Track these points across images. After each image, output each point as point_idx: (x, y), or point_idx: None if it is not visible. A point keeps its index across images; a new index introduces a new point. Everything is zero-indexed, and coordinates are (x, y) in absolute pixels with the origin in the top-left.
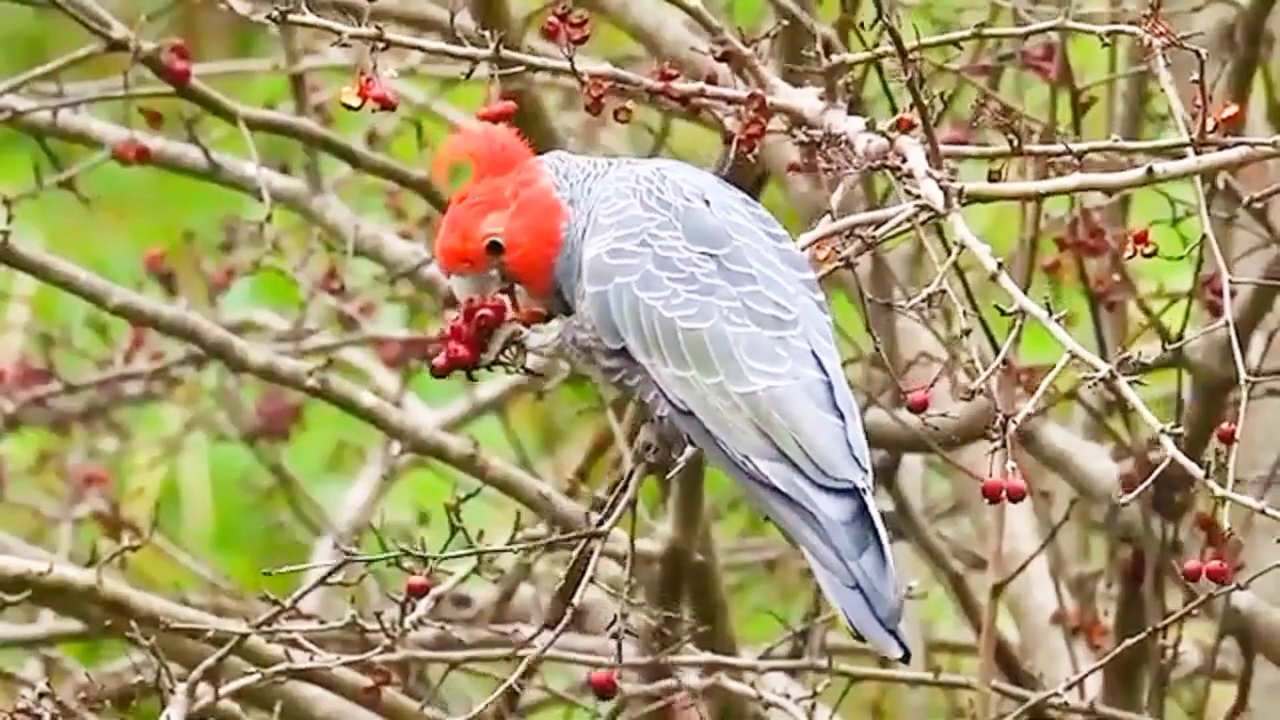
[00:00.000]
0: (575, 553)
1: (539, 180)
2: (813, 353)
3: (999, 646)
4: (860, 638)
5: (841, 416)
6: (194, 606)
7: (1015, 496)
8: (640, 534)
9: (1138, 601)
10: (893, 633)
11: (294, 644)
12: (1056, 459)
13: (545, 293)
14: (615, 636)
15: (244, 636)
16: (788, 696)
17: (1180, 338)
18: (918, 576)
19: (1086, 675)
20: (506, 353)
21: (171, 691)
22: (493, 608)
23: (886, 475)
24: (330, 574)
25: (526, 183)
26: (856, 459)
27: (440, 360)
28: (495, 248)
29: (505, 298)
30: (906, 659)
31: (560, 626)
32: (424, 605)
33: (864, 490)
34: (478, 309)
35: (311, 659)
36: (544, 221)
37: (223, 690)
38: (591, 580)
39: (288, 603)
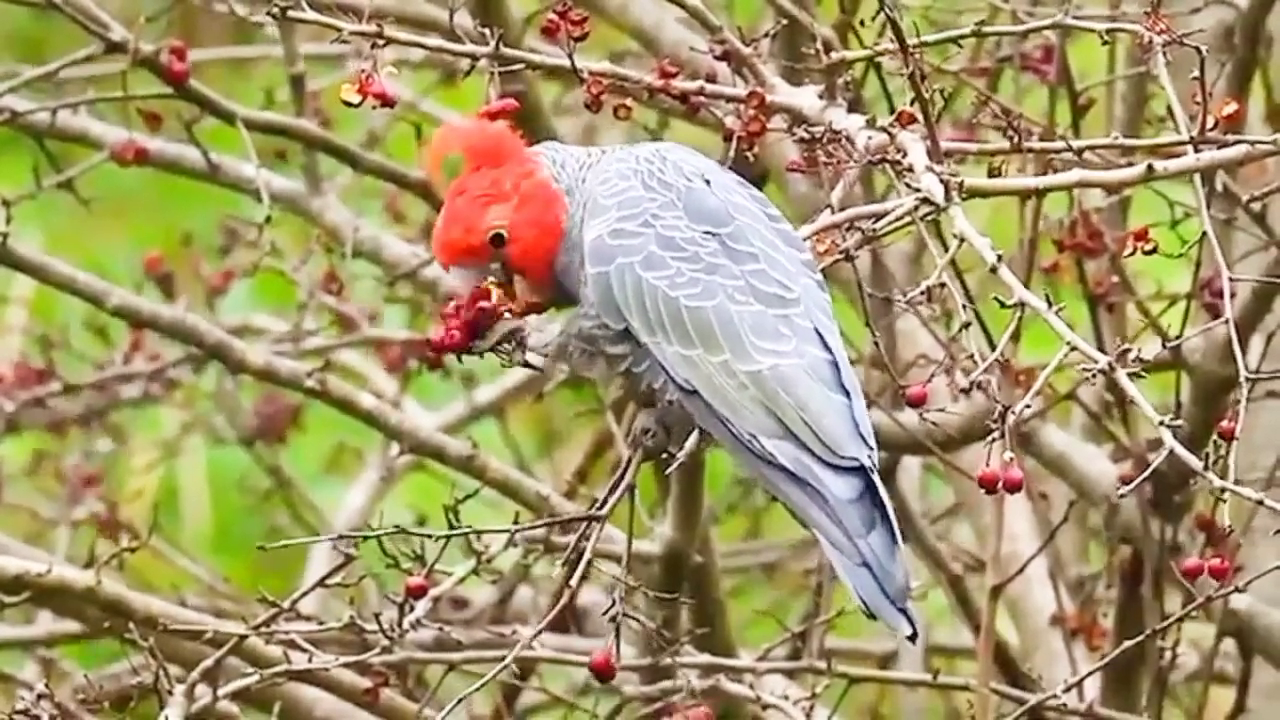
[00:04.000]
0: (574, 538)
1: (538, 172)
2: (816, 330)
3: (998, 648)
4: (872, 615)
5: (847, 394)
6: (192, 608)
7: (1012, 487)
8: (639, 535)
9: (1137, 603)
10: (902, 610)
11: (292, 645)
12: (1055, 460)
13: (545, 285)
14: (613, 620)
15: (242, 638)
16: (786, 698)
17: (1180, 336)
18: (917, 578)
19: (1085, 677)
20: (504, 346)
21: (170, 693)
22: (491, 609)
23: (885, 477)
24: (329, 574)
25: (527, 174)
26: (862, 436)
27: (436, 339)
28: (499, 240)
29: (500, 292)
30: (914, 637)
31: (557, 607)
32: (422, 606)
33: (870, 468)
34: (479, 297)
35: (310, 660)
36: (546, 213)
37: (221, 691)
38: (590, 564)
39: (286, 604)
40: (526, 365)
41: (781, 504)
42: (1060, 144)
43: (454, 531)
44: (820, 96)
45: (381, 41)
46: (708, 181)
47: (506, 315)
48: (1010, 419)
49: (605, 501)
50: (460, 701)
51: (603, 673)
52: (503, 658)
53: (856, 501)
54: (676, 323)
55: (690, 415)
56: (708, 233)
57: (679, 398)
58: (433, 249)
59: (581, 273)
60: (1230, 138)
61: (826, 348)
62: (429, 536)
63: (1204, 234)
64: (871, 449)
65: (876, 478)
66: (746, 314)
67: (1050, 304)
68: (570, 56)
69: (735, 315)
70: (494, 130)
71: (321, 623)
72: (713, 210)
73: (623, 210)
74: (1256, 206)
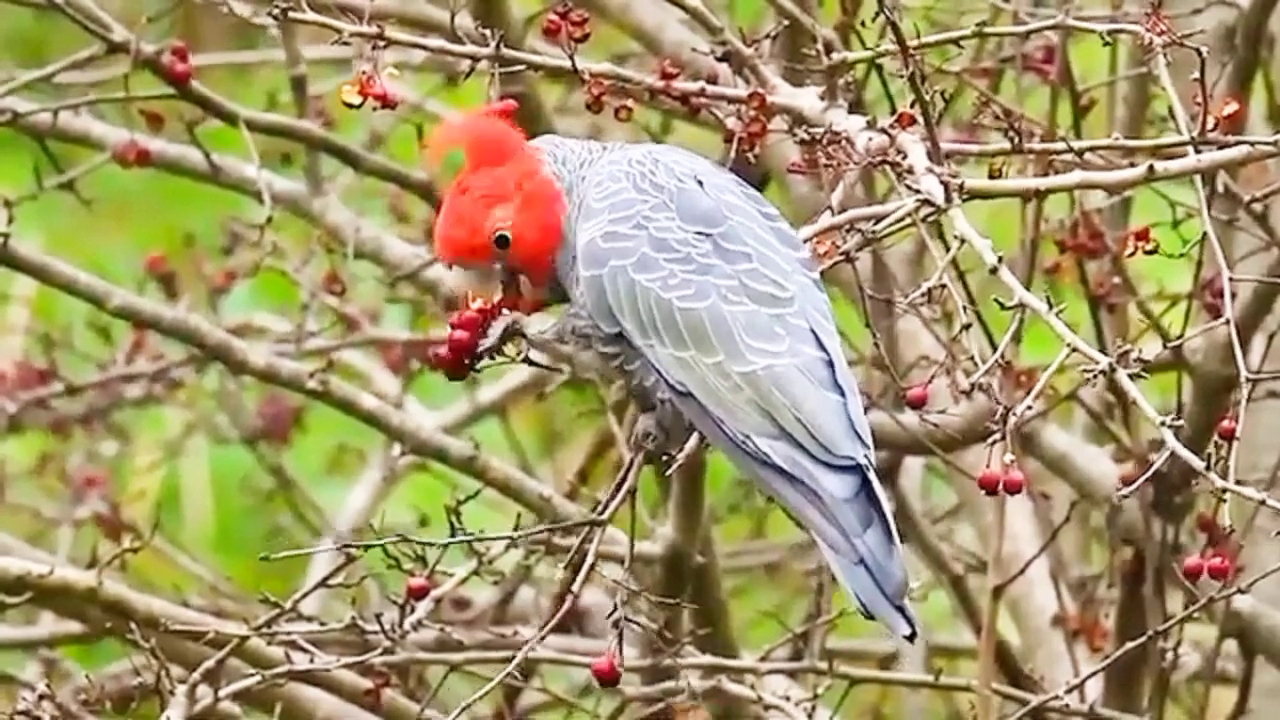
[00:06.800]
0: (575, 542)
1: (540, 171)
2: (811, 330)
3: (999, 648)
4: (869, 615)
5: (842, 393)
6: (194, 608)
7: (1013, 489)
8: (641, 536)
9: (1138, 604)
10: (900, 609)
11: (294, 646)
12: (1057, 461)
13: (546, 283)
14: (616, 625)
15: (244, 639)
16: (788, 699)
17: (1181, 337)
18: (918, 579)
19: (1087, 678)
20: (507, 344)
21: (171, 693)
22: (493, 610)
23: (887, 477)
24: (331, 575)
25: (529, 174)
26: (858, 434)
27: (441, 353)
28: (503, 241)
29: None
30: (913, 637)
31: (560, 612)
32: (424, 607)
33: (866, 466)
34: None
35: (311, 661)
36: (549, 214)
37: (223, 692)
38: (592, 568)
39: (288, 605)
40: (529, 362)
41: (778, 505)
42: (1061, 145)
43: (455, 539)
44: (821, 98)
45: (382, 43)
46: (700, 182)
47: (504, 312)
48: (1011, 420)
49: (606, 506)
50: (466, 708)
51: (606, 678)
52: (505, 658)
53: (853, 500)
54: (669, 325)
55: (685, 416)
56: (700, 233)
57: (672, 399)
58: (435, 246)
59: (574, 274)
60: (1231, 138)
61: (821, 346)
62: (430, 545)
63: (1205, 234)
64: (868, 447)
65: (873, 476)
66: (740, 314)
67: (1051, 305)
68: (571, 58)
69: (729, 316)
70: (496, 126)
71: (323, 623)
72: (705, 211)
73: (615, 213)
74: (1258, 207)
